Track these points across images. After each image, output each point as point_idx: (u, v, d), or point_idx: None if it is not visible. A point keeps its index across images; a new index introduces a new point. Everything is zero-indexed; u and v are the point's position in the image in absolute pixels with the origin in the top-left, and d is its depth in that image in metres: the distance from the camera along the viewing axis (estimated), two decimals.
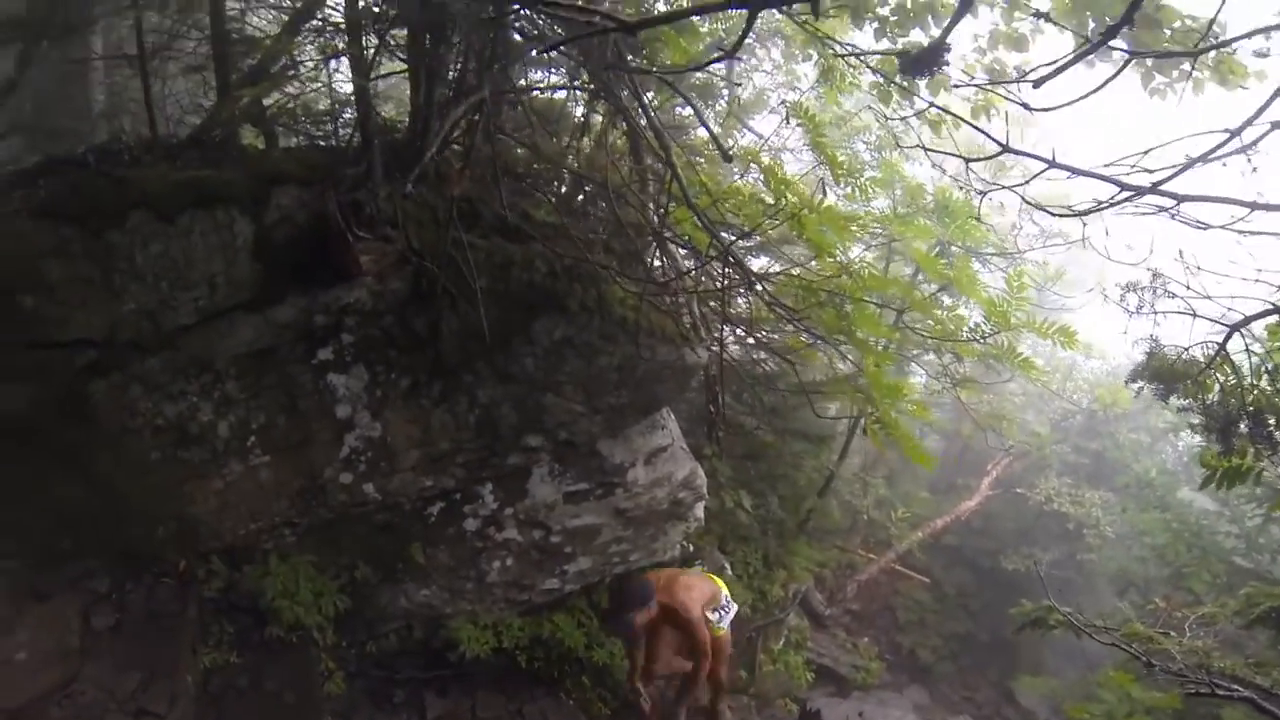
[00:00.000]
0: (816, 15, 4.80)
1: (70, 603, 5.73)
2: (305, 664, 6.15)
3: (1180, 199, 4.56)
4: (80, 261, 5.58)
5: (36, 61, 8.86)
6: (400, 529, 6.60)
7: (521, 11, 6.37)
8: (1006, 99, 6.03)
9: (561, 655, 7.19)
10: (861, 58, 6.92)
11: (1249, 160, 4.42)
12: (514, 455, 6.68)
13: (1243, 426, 5.78)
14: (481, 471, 6.65)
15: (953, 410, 14.09)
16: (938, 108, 6.43)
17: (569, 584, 7.40)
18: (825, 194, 7.41)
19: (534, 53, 7.16)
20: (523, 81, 7.78)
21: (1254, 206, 4.46)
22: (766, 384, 9.75)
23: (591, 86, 7.12)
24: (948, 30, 4.47)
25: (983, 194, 6.07)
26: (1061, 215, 5.22)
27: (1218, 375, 5.77)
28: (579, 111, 8.15)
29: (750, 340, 9.70)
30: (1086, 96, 4.24)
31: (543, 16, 6.32)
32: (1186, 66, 6.14)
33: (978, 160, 5.38)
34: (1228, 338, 5.43)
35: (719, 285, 7.51)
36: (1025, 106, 4.61)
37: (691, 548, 8.47)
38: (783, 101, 9.17)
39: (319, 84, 7.69)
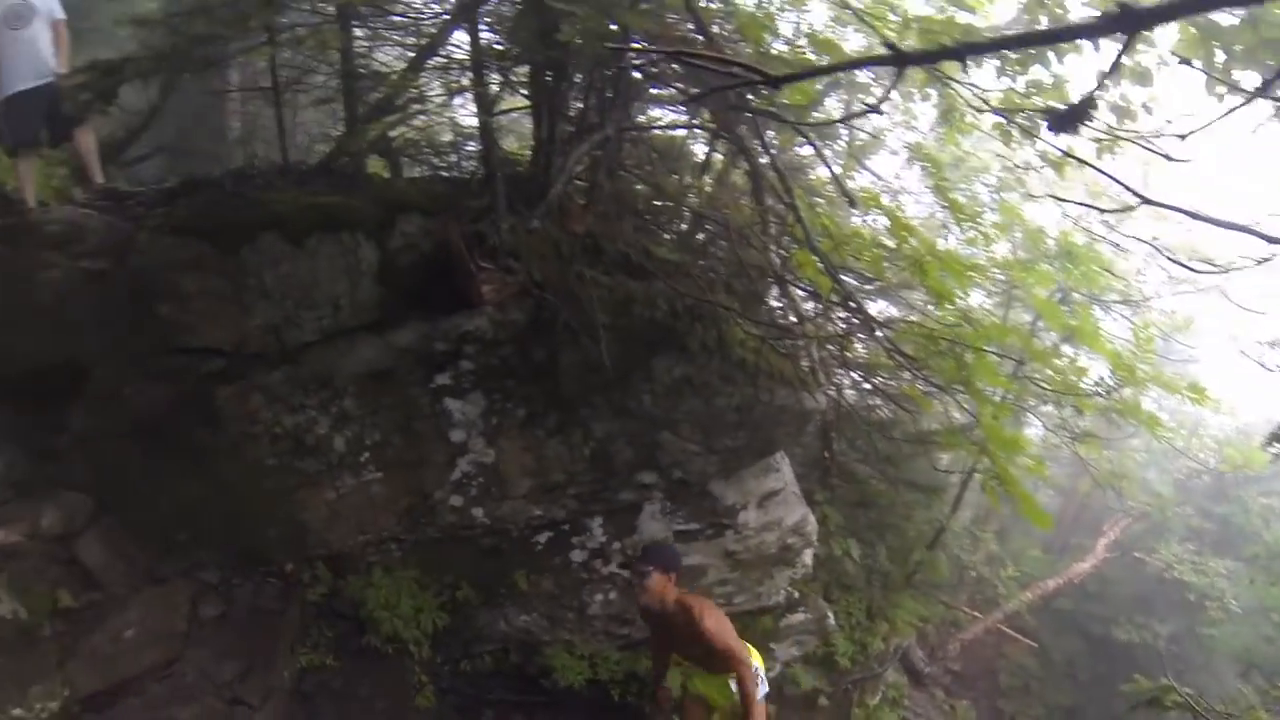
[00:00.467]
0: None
1: (181, 590, 6.04)
2: (399, 675, 6.26)
3: None
4: (213, 276, 5.86)
5: (178, 91, 9.36)
6: (506, 554, 6.62)
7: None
8: (1148, 149, 5.78)
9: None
10: (981, 97, 6.72)
11: None
12: (626, 491, 6.63)
13: None
14: (592, 505, 6.62)
15: (1070, 465, 13.55)
16: (1061, 151, 6.19)
17: None
18: (947, 239, 7.23)
19: (651, 92, 7.20)
20: (643, 119, 7.81)
21: None
22: (881, 431, 9.51)
23: (713, 126, 7.10)
24: (1097, 86, 4.28)
25: (1116, 246, 5.79)
26: (1204, 271, 4.91)
27: None
28: (697, 149, 8.16)
29: (866, 386, 9.47)
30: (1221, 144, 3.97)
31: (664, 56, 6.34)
32: None
33: (1112, 211, 5.13)
34: None
35: (841, 330, 7.34)
36: (1166, 157, 4.37)
37: (796, 594, 8.26)
38: (906, 146, 8.98)
39: (442, 118, 7.87)
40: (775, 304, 7.33)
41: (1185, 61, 5.82)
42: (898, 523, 10.46)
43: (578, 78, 6.41)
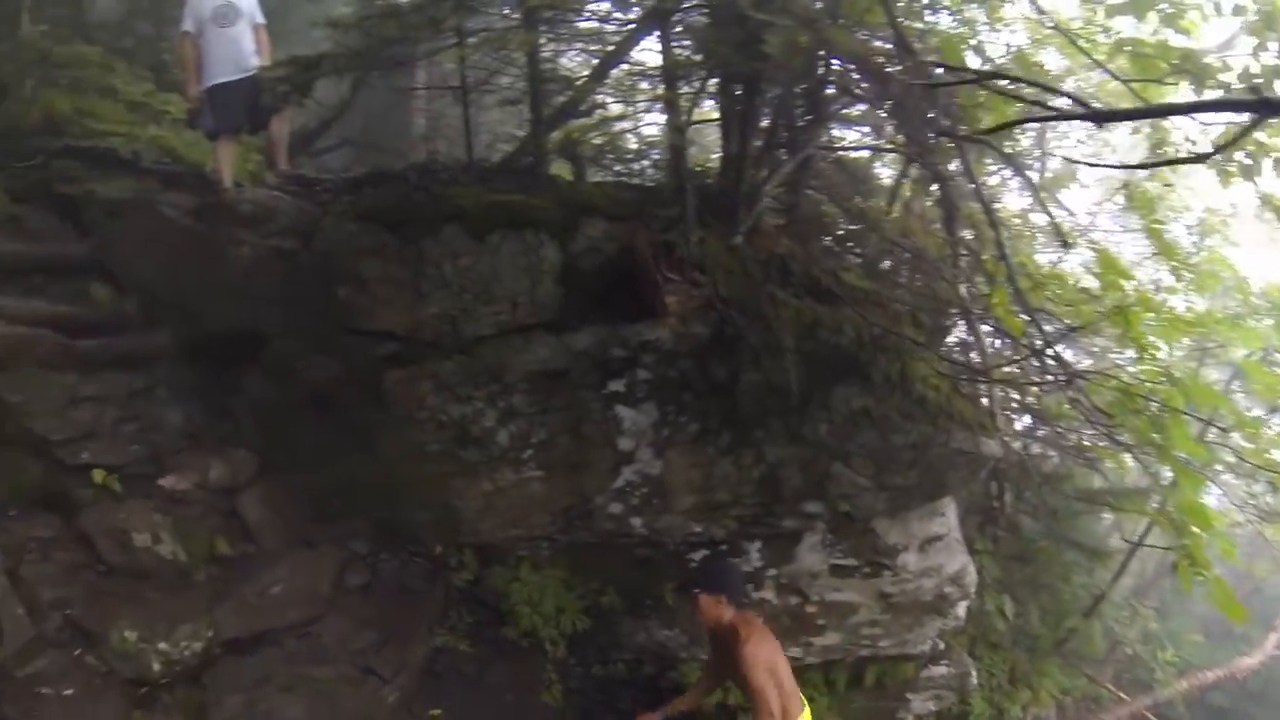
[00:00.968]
0: None
1: (330, 556, 6.29)
2: (530, 669, 6.29)
3: None
4: (394, 263, 5.99)
5: (367, 87, 9.69)
6: (658, 567, 6.50)
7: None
8: None
9: None
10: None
11: None
12: (790, 518, 6.40)
13: None
14: (753, 528, 6.43)
15: (1247, 544, 12.50)
16: None
17: (811, 656, 7.00)
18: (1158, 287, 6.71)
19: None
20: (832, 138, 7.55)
21: None
22: (1052, 484, 8.98)
23: (908, 149, 6.79)
24: None
25: None
26: None
27: None
28: (882, 171, 7.87)
29: (1040, 433, 8.95)
30: None
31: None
32: None
33: None
34: None
35: (1034, 377, 6.90)
36: None
37: (942, 645, 7.85)
38: (1118, 183, 8.41)
39: (627, 124, 7.83)
40: (960, 341, 6.94)
41: None
42: (1054, 583, 9.84)
43: (774, 91, 6.20)
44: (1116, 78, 6.28)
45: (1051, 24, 6.74)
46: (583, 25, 7.47)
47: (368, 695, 5.67)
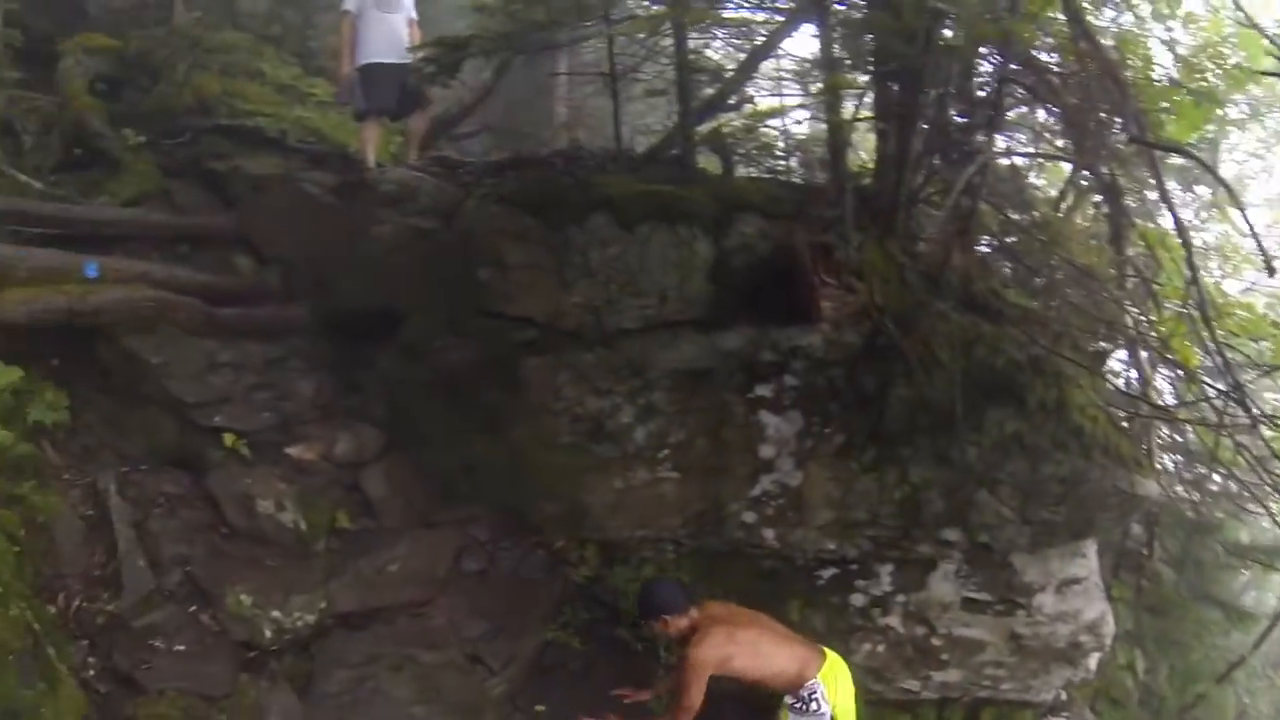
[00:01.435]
0: None
1: (449, 539, 6.28)
2: (640, 672, 6.00)
3: None
4: (537, 249, 5.88)
5: (509, 73, 9.76)
6: (784, 581, 6.25)
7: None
8: None
9: None
10: None
11: None
12: (927, 544, 6.08)
13: None
14: (888, 550, 6.13)
15: None
16: None
17: (928, 691, 6.67)
18: None
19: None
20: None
21: None
22: (1202, 534, 8.46)
23: (1084, 157, 6.46)
24: None
25: None
26: None
27: None
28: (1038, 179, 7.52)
29: (1192, 478, 8.44)
30: None
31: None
32: None
33: None
34: None
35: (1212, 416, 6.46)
36: None
37: (1065, 697, 7.42)
38: None
39: (778, 119, 7.67)
40: (1119, 368, 6.58)
41: None
42: (1187, 641, 9.27)
43: (941, 90, 5.95)
44: None
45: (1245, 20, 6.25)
46: (730, 15, 7.35)
47: (474, 685, 5.63)
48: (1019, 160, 7.36)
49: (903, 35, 5.35)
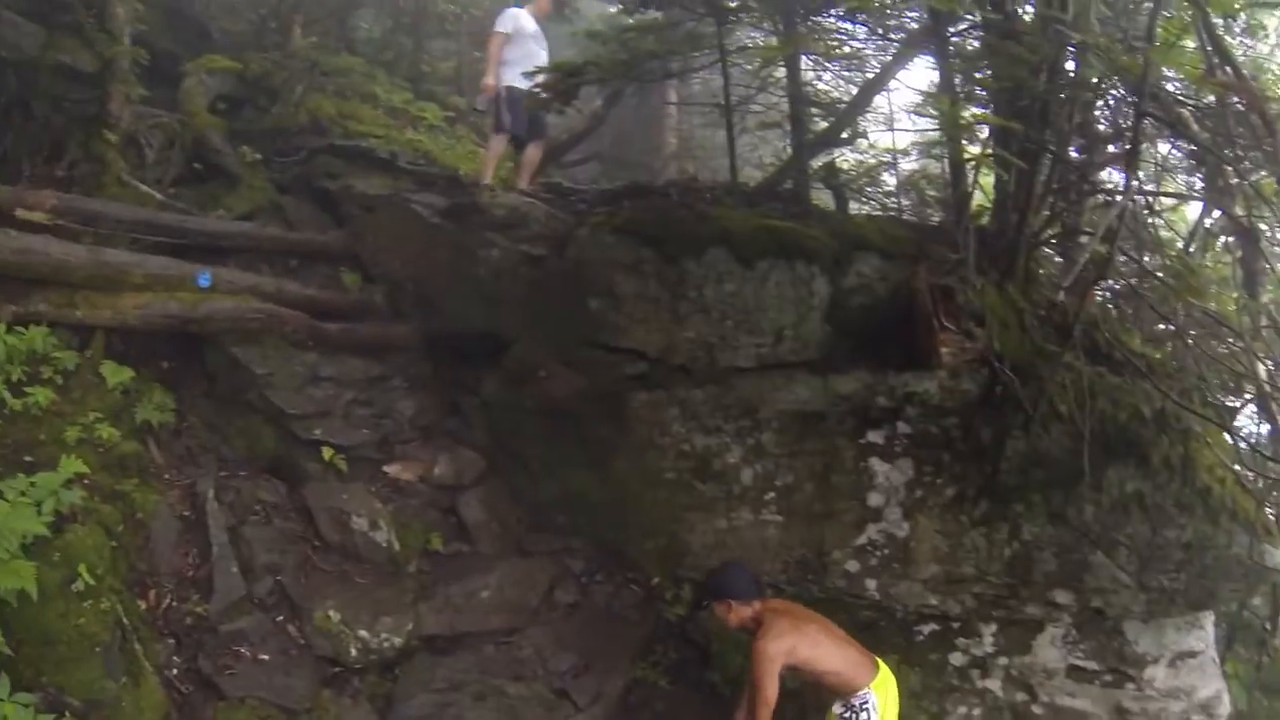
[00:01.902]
0: None
1: (544, 568, 6.22)
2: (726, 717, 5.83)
3: None
4: (651, 281, 5.85)
5: (620, 104, 9.85)
6: (882, 633, 5.95)
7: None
8: None
9: None
10: None
11: None
12: (1035, 605, 5.80)
13: None
14: (993, 610, 5.85)
15: None
16: None
17: None
18: None
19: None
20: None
21: None
22: None
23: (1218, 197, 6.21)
24: None
25: None
26: None
27: None
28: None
29: None
30: None
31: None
32: None
33: None
34: None
35: None
36: None
37: None
38: None
39: (889, 154, 7.59)
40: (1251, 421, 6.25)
41: None
42: None
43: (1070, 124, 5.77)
44: None
45: None
46: (844, 47, 7.28)
47: None
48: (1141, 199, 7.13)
49: (1030, 66, 5.22)
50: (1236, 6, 6.00)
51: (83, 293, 5.82)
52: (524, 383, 6.34)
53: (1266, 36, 6.47)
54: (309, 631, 5.32)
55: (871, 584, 5.78)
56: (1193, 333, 6.22)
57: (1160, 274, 6.25)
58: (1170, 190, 6.94)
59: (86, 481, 4.87)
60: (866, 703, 4.64)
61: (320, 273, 7.39)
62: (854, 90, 7.65)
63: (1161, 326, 6.66)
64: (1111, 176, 6.98)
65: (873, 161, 7.52)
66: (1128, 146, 5.49)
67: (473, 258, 6.72)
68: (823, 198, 7.47)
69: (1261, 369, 6.05)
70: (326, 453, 6.29)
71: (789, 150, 7.91)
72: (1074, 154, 6.18)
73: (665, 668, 5.98)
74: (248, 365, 6.35)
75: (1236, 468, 5.83)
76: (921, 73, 7.44)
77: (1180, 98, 6.11)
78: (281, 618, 5.40)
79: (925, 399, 5.52)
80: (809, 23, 6.80)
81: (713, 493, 5.78)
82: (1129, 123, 6.13)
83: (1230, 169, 5.65)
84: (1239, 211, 6.01)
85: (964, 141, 5.83)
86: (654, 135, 11.22)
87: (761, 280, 5.67)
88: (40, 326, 5.50)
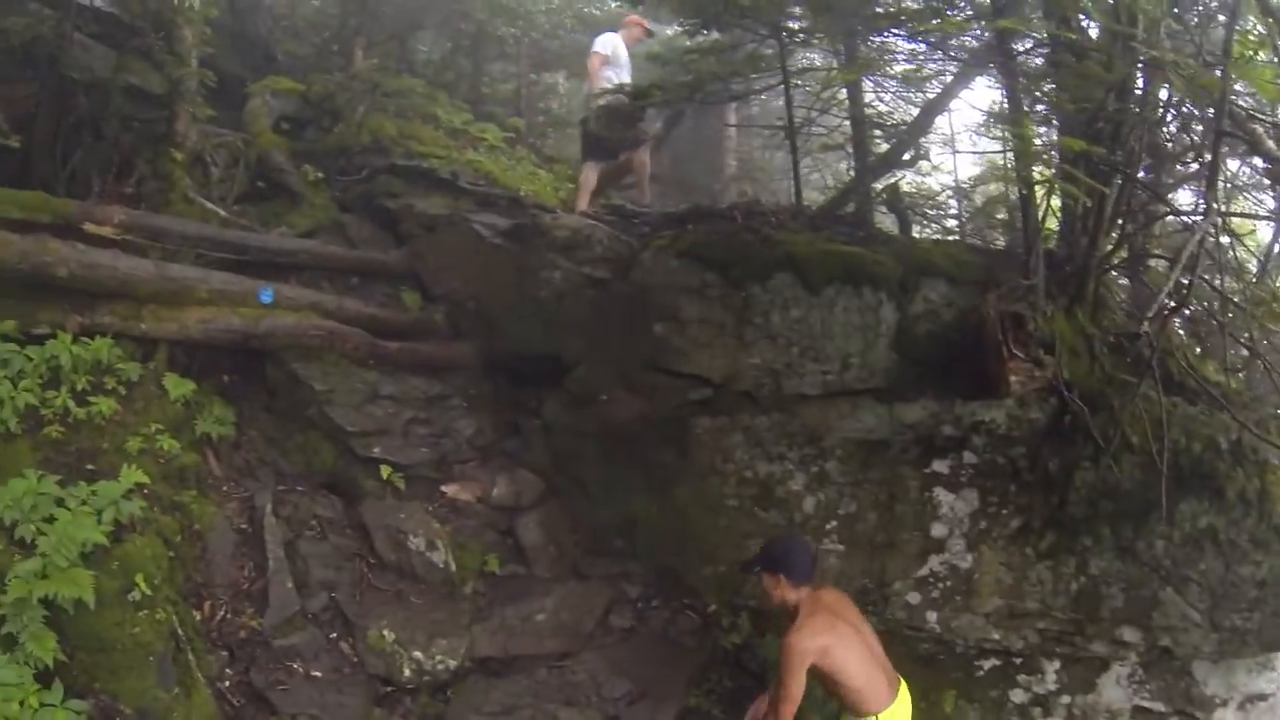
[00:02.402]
0: None
1: (600, 593, 6.18)
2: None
3: None
4: (716, 306, 5.84)
5: (679, 125, 9.89)
6: (942, 667, 5.87)
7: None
8: None
9: None
10: None
11: None
12: (1100, 643, 5.65)
13: None
14: (1056, 646, 5.70)
15: None
16: None
17: None
18: None
19: None
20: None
21: None
22: None
23: None
24: None
25: None
26: None
27: None
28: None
29: None
30: None
31: None
32: None
33: None
34: None
35: None
36: None
37: None
38: None
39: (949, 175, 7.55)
40: None
41: None
42: None
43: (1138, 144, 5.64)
44: None
45: None
46: (907, 67, 7.17)
47: None
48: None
49: (1105, 85, 5.13)
50: None
51: (148, 306, 5.90)
52: (585, 405, 6.35)
53: None
54: (362, 650, 5.34)
55: (932, 616, 5.68)
56: (1270, 360, 6.02)
57: (1236, 298, 6.06)
58: (1242, 210, 6.78)
59: (146, 491, 4.93)
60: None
61: (381, 291, 7.44)
62: (914, 111, 7.62)
63: (1241, 356, 6.49)
64: (1182, 196, 6.90)
65: (936, 185, 7.44)
66: (1205, 166, 5.37)
67: (534, 279, 6.75)
68: (885, 220, 7.41)
69: None
70: (385, 471, 6.32)
71: (849, 172, 7.89)
72: (1143, 174, 6.02)
73: (720, 696, 5.90)
74: (308, 381, 6.40)
75: None
76: (984, 92, 7.31)
77: (1253, 113, 5.97)
78: (335, 635, 5.42)
79: (992, 428, 5.43)
80: (870, 42, 6.75)
81: (774, 520, 5.72)
82: (1198, 139, 6.03)
83: None
84: None
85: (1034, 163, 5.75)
86: (713, 157, 11.25)
87: (828, 306, 5.64)
88: (105, 338, 5.58)
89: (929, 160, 7.49)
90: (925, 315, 5.69)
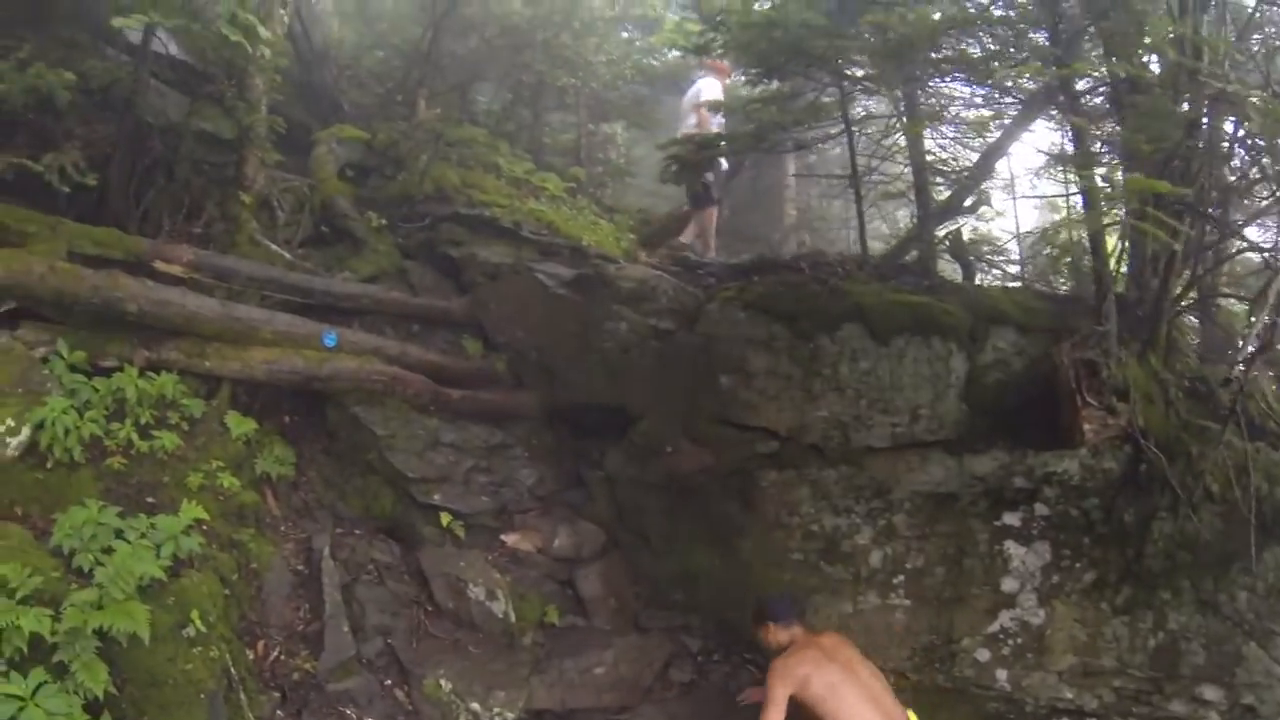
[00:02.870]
0: None
1: (660, 646, 6.04)
2: None
3: None
4: (783, 358, 5.82)
5: (737, 175, 9.92)
6: None
7: None
8: None
9: None
10: None
11: None
12: (1179, 702, 5.45)
13: None
14: (1134, 706, 5.51)
15: None
16: None
17: None
18: None
19: None
20: None
21: None
22: None
23: None
24: None
25: None
26: None
27: None
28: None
29: None
30: None
31: None
32: None
33: None
34: None
35: None
36: None
37: None
38: None
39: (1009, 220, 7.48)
40: None
41: None
42: None
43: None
44: None
45: None
46: (970, 114, 7.12)
47: None
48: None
49: (1178, 121, 5.03)
50: None
51: (213, 344, 6.01)
52: (649, 458, 6.32)
53: None
54: (417, 698, 5.26)
55: (1002, 674, 5.53)
56: None
57: None
58: None
59: (205, 528, 4.95)
60: None
61: (442, 338, 7.50)
62: (974, 156, 7.55)
63: None
64: (1250, 232, 6.71)
65: (997, 230, 7.36)
66: (1278, 201, 5.23)
67: (599, 330, 6.77)
68: (948, 268, 7.32)
69: None
70: (444, 518, 6.32)
71: (910, 220, 7.83)
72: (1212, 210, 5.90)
73: None
74: (369, 425, 6.44)
75: None
76: (1043, 134, 7.23)
77: None
78: (390, 681, 5.36)
79: (1064, 479, 5.32)
80: (929, 88, 6.72)
81: (840, 575, 5.65)
82: (1270, 172, 5.88)
83: None
84: None
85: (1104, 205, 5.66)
86: (771, 207, 11.23)
87: (897, 357, 5.58)
88: (171, 373, 5.69)
89: (990, 205, 7.37)
90: (995, 364, 5.60)
